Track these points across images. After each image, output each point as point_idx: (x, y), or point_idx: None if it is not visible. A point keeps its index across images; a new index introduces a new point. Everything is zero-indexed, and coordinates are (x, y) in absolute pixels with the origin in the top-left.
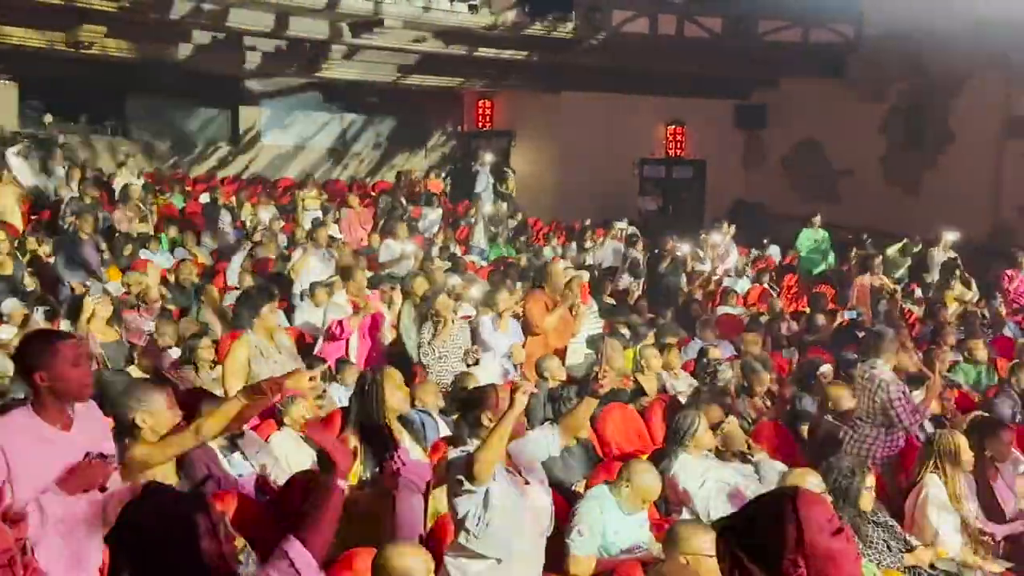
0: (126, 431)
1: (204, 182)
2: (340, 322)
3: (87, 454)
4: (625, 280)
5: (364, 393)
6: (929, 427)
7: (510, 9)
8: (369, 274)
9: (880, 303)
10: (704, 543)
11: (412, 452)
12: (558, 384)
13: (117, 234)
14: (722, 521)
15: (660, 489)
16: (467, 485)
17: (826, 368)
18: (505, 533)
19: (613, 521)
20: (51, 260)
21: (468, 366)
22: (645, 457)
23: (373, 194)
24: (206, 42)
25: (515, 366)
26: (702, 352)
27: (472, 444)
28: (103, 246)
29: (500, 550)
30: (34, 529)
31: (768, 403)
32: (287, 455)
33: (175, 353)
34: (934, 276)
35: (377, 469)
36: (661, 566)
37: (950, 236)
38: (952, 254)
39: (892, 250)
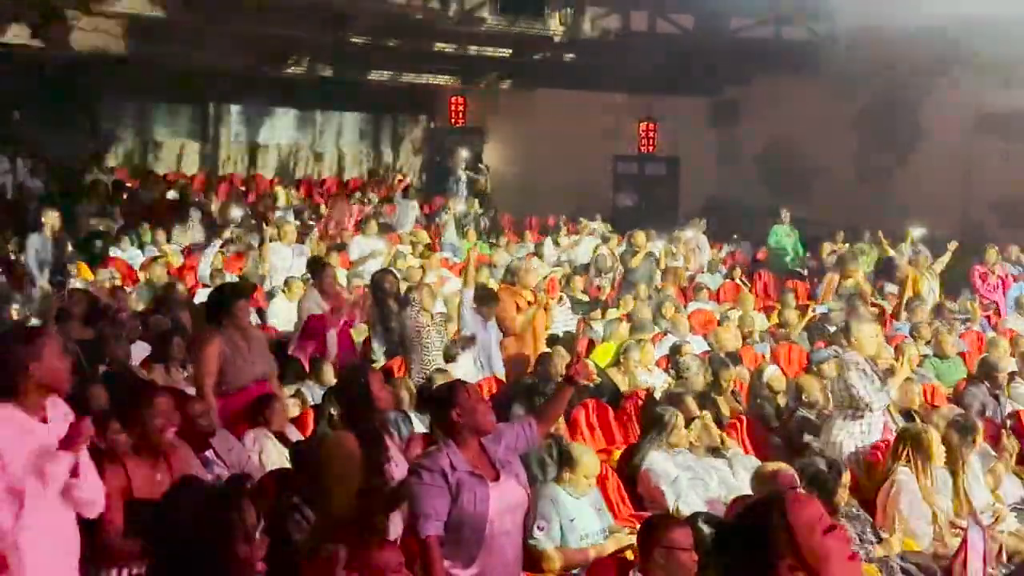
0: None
1: (174, 179)
2: (319, 318)
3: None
4: (597, 277)
5: (353, 394)
6: (901, 421)
7: (483, 6)
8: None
9: (851, 299)
10: (678, 537)
11: None
12: (534, 379)
13: (86, 231)
14: (714, 532)
15: (599, 464)
16: None
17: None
18: (467, 539)
19: (567, 508)
20: (19, 257)
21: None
22: (618, 453)
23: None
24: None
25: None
26: (675, 348)
27: (448, 443)
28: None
29: (462, 554)
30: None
31: (740, 398)
32: (260, 453)
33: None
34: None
35: (377, 473)
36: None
37: (916, 232)
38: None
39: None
